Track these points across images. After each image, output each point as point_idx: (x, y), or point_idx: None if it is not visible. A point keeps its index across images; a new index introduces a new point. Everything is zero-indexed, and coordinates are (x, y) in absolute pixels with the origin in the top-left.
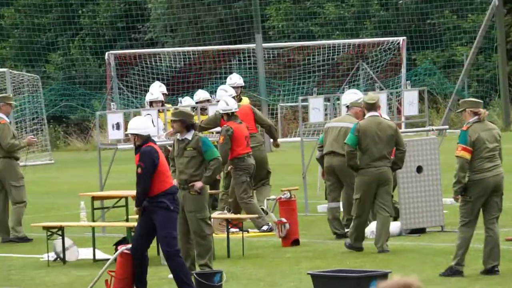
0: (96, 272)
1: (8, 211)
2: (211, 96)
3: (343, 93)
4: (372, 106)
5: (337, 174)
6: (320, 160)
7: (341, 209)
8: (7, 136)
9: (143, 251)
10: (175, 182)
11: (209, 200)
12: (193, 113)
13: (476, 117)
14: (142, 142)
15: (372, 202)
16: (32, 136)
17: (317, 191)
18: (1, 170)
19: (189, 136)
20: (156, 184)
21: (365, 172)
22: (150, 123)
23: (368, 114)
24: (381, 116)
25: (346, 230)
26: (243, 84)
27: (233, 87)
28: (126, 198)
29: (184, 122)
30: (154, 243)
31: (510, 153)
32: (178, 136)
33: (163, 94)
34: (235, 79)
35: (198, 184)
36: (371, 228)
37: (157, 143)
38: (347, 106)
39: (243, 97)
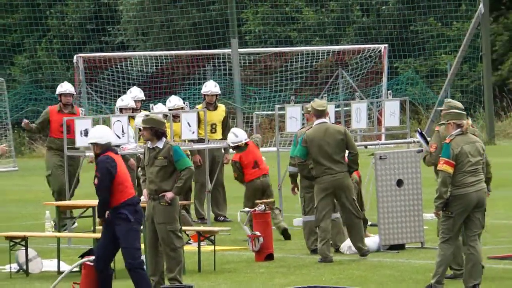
0: (59, 284)
1: None
2: (184, 103)
3: None
4: (322, 113)
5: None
6: (294, 174)
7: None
8: None
9: (105, 263)
10: (144, 192)
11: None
12: (165, 121)
13: (459, 129)
14: (101, 151)
15: (333, 208)
16: (5, 145)
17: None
18: None
19: (160, 144)
20: (116, 194)
21: (321, 180)
22: (110, 132)
23: (316, 122)
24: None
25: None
26: (219, 92)
27: (208, 95)
28: (93, 208)
29: (154, 130)
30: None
31: (495, 167)
32: (149, 144)
33: (140, 100)
34: (210, 86)
35: (169, 195)
36: (348, 243)
37: (127, 152)
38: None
39: (219, 105)
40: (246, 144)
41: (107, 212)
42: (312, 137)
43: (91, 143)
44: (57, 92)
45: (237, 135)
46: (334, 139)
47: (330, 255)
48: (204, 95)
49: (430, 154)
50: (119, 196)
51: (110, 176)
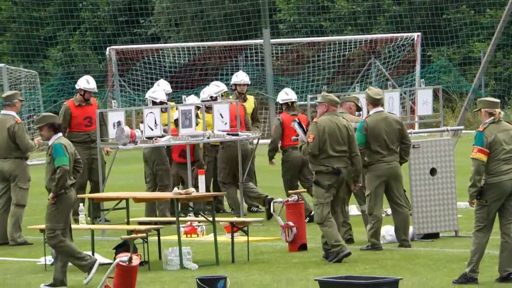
0: (95, 277)
1: (8, 214)
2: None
3: (354, 91)
4: (379, 101)
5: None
6: None
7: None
8: (26, 136)
9: None
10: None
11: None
12: (56, 116)
13: (492, 117)
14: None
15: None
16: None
17: None
18: (12, 170)
19: (51, 141)
20: None
21: (376, 167)
22: None
23: (373, 110)
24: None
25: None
26: (249, 82)
27: (240, 85)
28: (127, 200)
29: (50, 124)
30: (155, 249)
31: None
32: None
33: (167, 93)
34: (242, 76)
35: (50, 194)
36: (385, 230)
37: (161, 144)
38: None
39: (248, 96)
40: (293, 104)
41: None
42: (373, 125)
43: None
44: (81, 87)
45: (288, 93)
46: (392, 129)
47: (380, 243)
48: (235, 85)
49: (307, 144)
50: None
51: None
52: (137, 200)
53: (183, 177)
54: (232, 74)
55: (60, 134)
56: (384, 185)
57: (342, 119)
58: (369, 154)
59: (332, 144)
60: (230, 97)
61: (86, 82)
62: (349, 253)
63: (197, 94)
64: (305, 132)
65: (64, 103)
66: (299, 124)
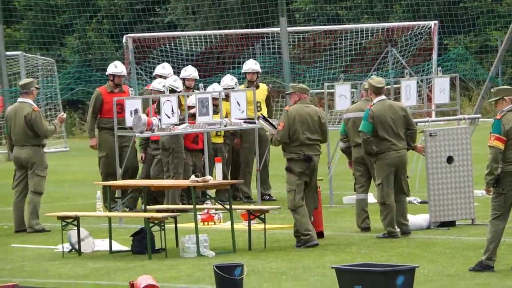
0: (112, 264)
1: (25, 201)
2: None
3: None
4: (381, 90)
5: (367, 164)
6: (346, 150)
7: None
8: (44, 123)
9: None
10: None
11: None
12: None
13: (511, 105)
14: None
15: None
16: (62, 113)
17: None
18: (30, 157)
19: None
20: None
21: (386, 156)
22: None
23: (377, 99)
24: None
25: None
26: (259, 70)
27: (249, 73)
28: (144, 187)
29: None
30: (172, 236)
31: None
32: None
33: (193, 79)
34: (250, 64)
35: None
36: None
37: (178, 132)
38: (366, 90)
39: (260, 84)
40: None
41: None
42: (379, 113)
43: None
44: (109, 72)
45: None
46: (397, 116)
47: (397, 232)
48: (245, 73)
49: (278, 133)
50: None
51: None
52: (155, 187)
53: (196, 164)
54: None
55: None
56: (394, 173)
57: (314, 107)
58: (378, 142)
59: (304, 132)
60: (241, 86)
61: (114, 67)
62: (317, 244)
63: (209, 83)
64: (273, 125)
65: (97, 89)
66: (264, 118)
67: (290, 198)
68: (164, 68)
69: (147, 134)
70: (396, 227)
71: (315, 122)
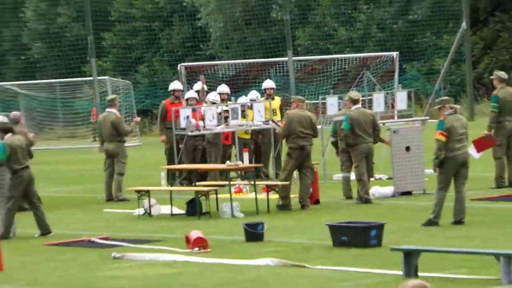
0: (173, 223)
1: (112, 180)
2: (257, 97)
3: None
4: (357, 101)
5: (349, 152)
6: (334, 143)
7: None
8: (124, 125)
9: None
10: None
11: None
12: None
13: (452, 110)
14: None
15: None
16: (137, 118)
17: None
18: (115, 149)
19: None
20: None
21: (360, 147)
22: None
23: (354, 107)
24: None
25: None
26: (274, 87)
27: (268, 89)
28: (194, 170)
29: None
30: (214, 204)
31: (472, 135)
32: None
33: (226, 93)
34: (268, 83)
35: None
36: (372, 191)
37: (218, 130)
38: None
39: (275, 96)
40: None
41: None
42: (355, 117)
43: None
44: (171, 88)
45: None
46: (368, 119)
47: (370, 198)
48: (265, 89)
49: (281, 129)
50: None
51: None
52: (202, 170)
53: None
54: None
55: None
56: (365, 158)
57: (308, 111)
58: (354, 137)
59: (299, 128)
60: (261, 98)
61: (174, 84)
62: (290, 209)
63: (238, 97)
64: (278, 125)
65: (162, 101)
66: (273, 121)
67: (283, 175)
68: (205, 87)
69: (196, 132)
70: (369, 195)
71: (308, 122)
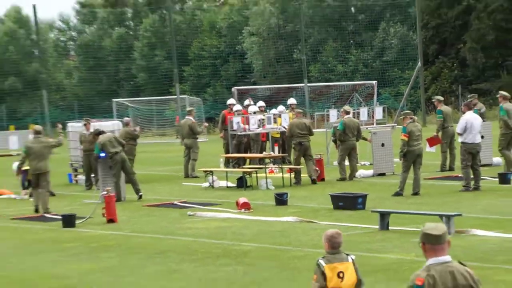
0: (228, 193)
1: (189, 163)
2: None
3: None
4: (349, 112)
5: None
6: (334, 141)
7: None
8: (197, 128)
9: None
10: None
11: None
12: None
13: (411, 119)
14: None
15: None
16: (205, 123)
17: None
18: (191, 143)
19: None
20: None
21: (347, 143)
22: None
23: (346, 116)
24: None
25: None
26: (296, 103)
27: (291, 104)
28: (243, 158)
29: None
30: (255, 180)
31: (425, 136)
32: None
33: (263, 106)
34: (292, 100)
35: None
36: (359, 173)
37: (258, 131)
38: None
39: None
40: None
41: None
42: (347, 123)
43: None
44: (228, 103)
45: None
46: (355, 125)
47: (358, 177)
48: (290, 104)
49: (287, 132)
50: None
51: None
52: (247, 157)
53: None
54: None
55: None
56: (349, 151)
57: (305, 119)
58: (344, 137)
59: (298, 131)
60: (287, 110)
61: (230, 101)
62: (300, 184)
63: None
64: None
65: (222, 111)
66: (284, 127)
67: (296, 162)
68: (250, 102)
69: (243, 133)
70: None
71: (304, 126)
